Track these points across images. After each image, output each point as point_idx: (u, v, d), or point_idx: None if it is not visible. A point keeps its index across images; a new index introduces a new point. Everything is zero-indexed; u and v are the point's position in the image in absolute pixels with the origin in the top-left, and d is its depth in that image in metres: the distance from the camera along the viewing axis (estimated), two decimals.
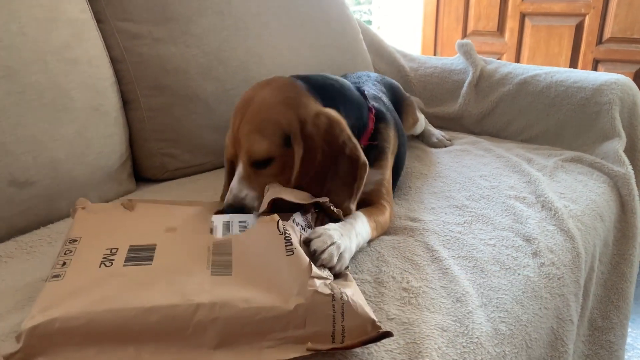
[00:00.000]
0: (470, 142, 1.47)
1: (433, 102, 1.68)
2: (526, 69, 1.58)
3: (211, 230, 0.75)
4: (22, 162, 0.93)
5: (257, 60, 1.36)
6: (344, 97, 0.94)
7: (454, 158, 1.32)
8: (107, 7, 1.16)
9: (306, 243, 0.71)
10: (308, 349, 0.59)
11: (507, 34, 3.06)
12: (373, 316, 0.61)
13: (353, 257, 0.84)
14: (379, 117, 1.01)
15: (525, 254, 0.90)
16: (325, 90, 0.91)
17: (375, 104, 1.03)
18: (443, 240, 0.91)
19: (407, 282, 0.79)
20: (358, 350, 0.65)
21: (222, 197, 0.93)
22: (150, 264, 0.65)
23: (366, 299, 0.75)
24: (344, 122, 0.86)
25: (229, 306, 0.58)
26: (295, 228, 0.72)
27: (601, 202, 1.19)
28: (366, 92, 1.05)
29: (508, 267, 0.86)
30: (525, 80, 1.53)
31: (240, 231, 0.75)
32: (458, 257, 0.87)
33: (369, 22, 3.39)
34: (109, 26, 1.16)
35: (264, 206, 0.78)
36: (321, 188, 0.83)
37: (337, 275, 0.71)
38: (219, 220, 0.77)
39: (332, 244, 0.71)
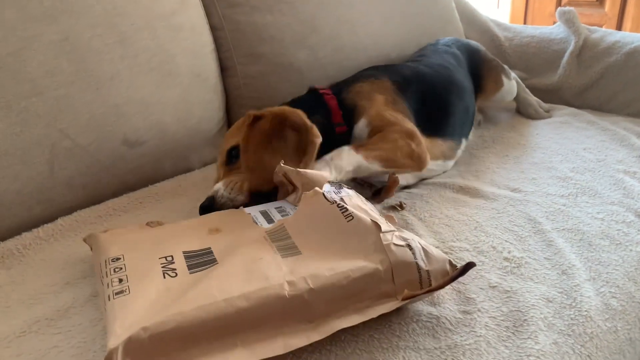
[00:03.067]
0: (571, 113, 1.38)
1: (529, 73, 1.59)
2: (636, 37, 1.46)
3: (254, 220, 0.72)
4: (134, 122, 0.99)
5: (349, 29, 1.35)
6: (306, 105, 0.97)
7: (554, 129, 1.26)
8: None
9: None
10: (404, 298, 0.59)
11: (607, 4, 2.84)
12: (446, 256, 0.64)
13: (449, 226, 0.84)
14: (338, 92, 1.03)
15: (638, 230, 0.84)
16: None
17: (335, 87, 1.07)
18: (546, 212, 0.88)
19: (509, 252, 0.77)
20: (461, 316, 0.65)
21: None
22: (217, 263, 0.62)
23: None
24: (293, 109, 0.90)
25: (316, 277, 0.58)
26: (334, 193, 0.70)
27: None
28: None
29: (619, 242, 0.81)
30: (635, 49, 1.41)
31: (282, 216, 0.73)
32: (563, 229, 0.83)
33: None
34: None
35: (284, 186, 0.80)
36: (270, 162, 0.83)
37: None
38: (254, 210, 0.75)
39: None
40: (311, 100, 1.02)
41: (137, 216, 0.91)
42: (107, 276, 0.60)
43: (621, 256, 0.79)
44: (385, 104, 1.00)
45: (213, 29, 1.20)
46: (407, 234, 0.65)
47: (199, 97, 1.11)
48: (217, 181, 0.89)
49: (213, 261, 0.62)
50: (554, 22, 1.66)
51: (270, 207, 0.77)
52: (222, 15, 1.20)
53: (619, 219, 0.87)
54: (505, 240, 0.80)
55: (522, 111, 1.42)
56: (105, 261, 0.63)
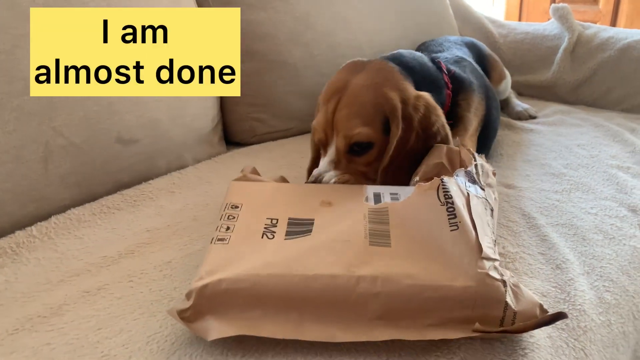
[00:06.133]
0: (564, 110, 1.39)
1: (524, 70, 1.60)
2: (630, 33, 1.47)
3: (365, 200, 0.72)
4: (127, 120, 0.98)
5: (344, 26, 1.35)
6: (428, 79, 0.92)
7: (548, 127, 1.26)
8: None
9: None
10: (475, 330, 0.55)
11: (601, 1, 2.85)
12: (539, 300, 0.57)
13: None
14: (458, 87, 0.97)
15: (632, 225, 0.85)
16: (414, 72, 0.89)
17: (457, 69, 1.00)
18: (540, 207, 0.88)
19: (503, 248, 0.77)
20: None
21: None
22: (310, 235, 0.64)
23: None
24: (439, 109, 0.84)
25: (391, 281, 0.56)
26: (461, 186, 0.65)
27: None
28: (445, 58, 1.02)
29: (612, 236, 0.82)
30: (629, 45, 1.42)
31: (392, 201, 0.71)
32: (557, 224, 0.84)
33: None
34: None
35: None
36: (408, 175, 0.80)
37: None
38: (370, 190, 0.74)
39: None
40: (440, 90, 0.94)
41: (131, 213, 0.91)
42: (221, 219, 0.68)
43: (615, 250, 0.79)
44: (471, 134, 0.99)
45: None
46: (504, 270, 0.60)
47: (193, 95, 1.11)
48: (329, 163, 0.84)
49: (309, 232, 0.65)
50: (549, 19, 1.67)
51: (385, 190, 0.74)
52: None
53: (612, 213, 0.87)
54: (500, 236, 0.80)
55: (509, 112, 1.41)
56: (226, 205, 0.71)
